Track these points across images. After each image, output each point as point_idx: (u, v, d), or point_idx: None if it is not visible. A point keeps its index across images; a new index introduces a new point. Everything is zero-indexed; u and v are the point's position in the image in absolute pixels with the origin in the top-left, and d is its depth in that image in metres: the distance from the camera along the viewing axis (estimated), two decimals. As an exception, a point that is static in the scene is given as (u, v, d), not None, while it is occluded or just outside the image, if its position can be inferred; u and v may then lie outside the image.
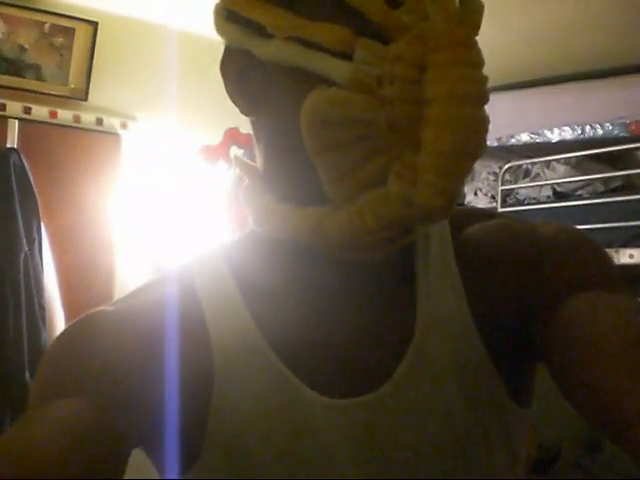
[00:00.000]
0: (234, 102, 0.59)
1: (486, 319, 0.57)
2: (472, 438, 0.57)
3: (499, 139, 3.05)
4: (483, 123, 0.50)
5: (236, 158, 0.66)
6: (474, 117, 0.50)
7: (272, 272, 0.60)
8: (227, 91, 0.59)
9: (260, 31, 0.53)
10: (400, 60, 0.49)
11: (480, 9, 0.53)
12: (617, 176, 2.76)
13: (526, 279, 0.58)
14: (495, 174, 3.14)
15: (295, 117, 0.52)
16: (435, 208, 0.50)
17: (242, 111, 0.60)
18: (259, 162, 0.62)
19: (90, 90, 2.42)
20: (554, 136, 2.87)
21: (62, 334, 0.58)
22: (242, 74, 0.57)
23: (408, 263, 0.60)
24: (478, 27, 0.52)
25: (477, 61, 0.50)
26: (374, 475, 0.56)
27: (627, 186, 2.73)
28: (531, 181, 3.01)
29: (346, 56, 0.49)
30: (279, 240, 0.58)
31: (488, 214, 0.65)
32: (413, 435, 0.56)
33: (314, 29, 0.50)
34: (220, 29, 0.59)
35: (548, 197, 2.92)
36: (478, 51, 0.50)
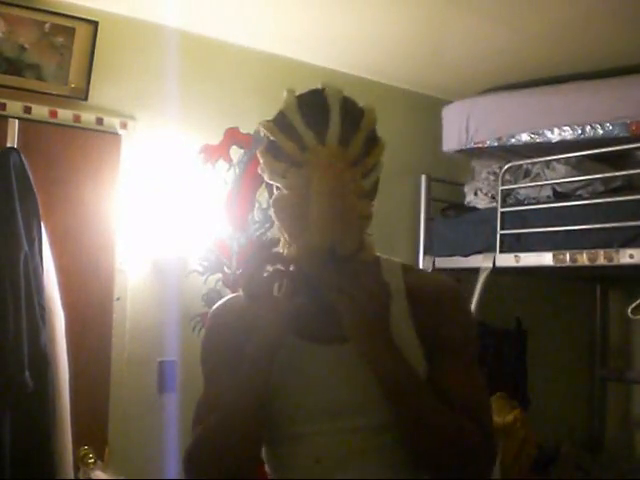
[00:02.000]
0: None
1: (415, 322, 1.06)
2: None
3: (499, 139, 3.05)
4: (334, 206, 0.97)
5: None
6: (326, 205, 0.97)
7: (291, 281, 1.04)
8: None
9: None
10: (306, 178, 0.99)
11: (355, 150, 1.00)
12: (617, 176, 2.76)
13: (435, 325, 1.06)
14: (495, 174, 3.14)
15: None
16: (317, 246, 0.97)
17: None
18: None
19: (90, 90, 2.42)
20: (554, 136, 2.87)
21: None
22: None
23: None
24: (352, 161, 1.00)
25: (335, 177, 0.98)
26: (349, 394, 1.02)
27: (627, 186, 2.73)
28: (531, 181, 3.01)
29: (286, 176, 1.02)
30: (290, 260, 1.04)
31: (428, 272, 1.30)
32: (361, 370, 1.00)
33: (278, 168, 1.03)
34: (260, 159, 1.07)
35: (548, 197, 2.92)
36: (340, 176, 0.99)
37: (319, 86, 1.08)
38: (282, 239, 1.04)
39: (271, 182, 1.03)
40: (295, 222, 1.00)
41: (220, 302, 1.19)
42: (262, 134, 1.06)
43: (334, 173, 0.97)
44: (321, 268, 0.98)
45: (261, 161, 1.04)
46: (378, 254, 1.14)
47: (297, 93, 1.08)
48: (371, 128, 1.03)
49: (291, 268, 1.02)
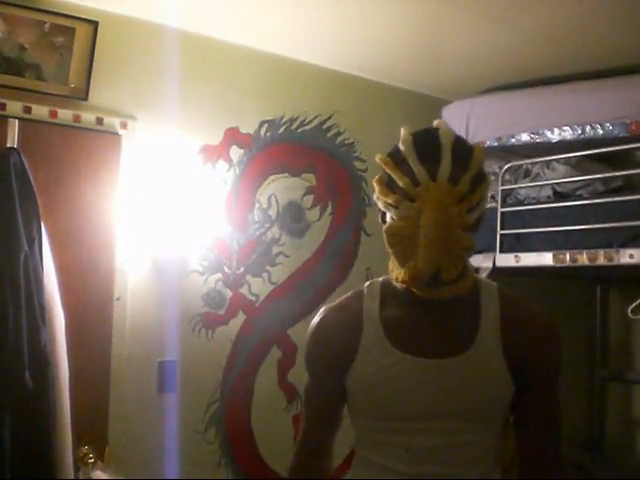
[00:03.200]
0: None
1: (506, 349, 1.18)
2: (495, 401, 1.19)
3: (499, 139, 3.05)
4: (440, 238, 1.10)
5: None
6: (433, 236, 1.09)
7: (395, 299, 1.22)
8: None
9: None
10: (417, 211, 1.11)
11: (462, 187, 1.12)
12: (617, 176, 2.75)
13: (525, 356, 1.19)
14: (495, 174, 3.14)
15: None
16: (423, 271, 1.10)
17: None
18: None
19: (90, 90, 2.42)
20: (554, 136, 2.87)
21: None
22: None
23: (476, 309, 1.21)
24: (459, 197, 1.12)
25: (443, 211, 1.10)
26: (441, 402, 1.16)
27: (627, 186, 2.73)
28: (531, 181, 3.01)
29: (399, 207, 1.14)
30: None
31: (524, 301, 1.30)
32: (467, 385, 1.16)
33: (391, 199, 1.15)
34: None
35: (548, 197, 2.92)
36: (447, 211, 1.10)
37: (434, 124, 1.21)
38: (391, 262, 1.18)
39: (384, 210, 1.17)
40: (405, 249, 1.12)
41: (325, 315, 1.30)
42: (379, 166, 1.18)
43: (442, 208, 1.09)
44: (427, 290, 1.14)
45: (376, 190, 1.18)
46: (477, 276, 1.27)
47: (413, 131, 1.20)
48: (479, 167, 1.15)
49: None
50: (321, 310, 1.29)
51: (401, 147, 1.15)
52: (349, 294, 1.29)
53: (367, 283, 1.28)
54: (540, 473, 1.21)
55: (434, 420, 1.16)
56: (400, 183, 1.12)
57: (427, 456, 1.16)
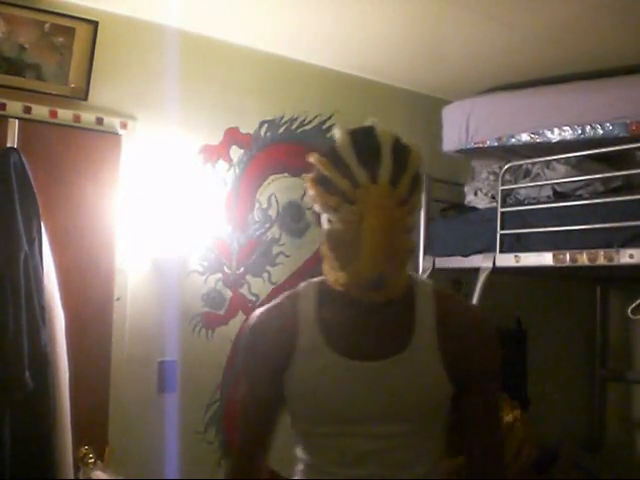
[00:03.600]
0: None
1: (442, 349, 1.16)
2: (432, 402, 1.17)
3: (499, 139, 3.05)
4: (384, 242, 1.07)
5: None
6: (376, 240, 1.07)
7: (331, 300, 1.19)
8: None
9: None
10: (358, 214, 1.07)
11: (403, 189, 1.08)
12: (617, 176, 2.75)
13: (461, 355, 1.16)
14: (495, 174, 3.14)
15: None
16: (366, 276, 1.08)
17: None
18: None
19: (90, 90, 2.42)
20: (554, 136, 2.87)
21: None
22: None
23: (412, 309, 1.18)
24: (400, 200, 1.08)
25: (386, 215, 1.07)
26: (377, 405, 1.14)
27: (627, 186, 2.73)
28: (531, 181, 3.01)
29: (339, 210, 1.09)
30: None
31: (460, 300, 1.33)
32: (403, 387, 1.14)
33: (332, 202, 1.09)
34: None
35: (548, 197, 2.92)
36: (390, 214, 1.07)
37: (370, 124, 1.13)
38: (327, 265, 1.16)
39: (321, 212, 1.13)
40: (346, 252, 1.09)
41: (261, 313, 1.26)
42: (314, 166, 1.13)
43: (385, 212, 1.07)
44: (366, 294, 1.12)
45: (311, 192, 1.12)
46: (414, 275, 1.24)
47: (348, 131, 1.13)
48: (417, 168, 1.11)
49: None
50: (256, 312, 1.26)
51: (338, 147, 1.09)
52: (284, 295, 1.25)
53: (303, 284, 1.25)
54: (484, 473, 1.17)
55: (370, 423, 1.14)
56: (339, 185, 1.07)
57: (364, 459, 1.14)
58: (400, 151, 1.09)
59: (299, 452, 1.23)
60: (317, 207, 1.13)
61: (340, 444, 1.15)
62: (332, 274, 1.15)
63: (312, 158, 1.13)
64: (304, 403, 1.18)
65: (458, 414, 1.19)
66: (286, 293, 1.26)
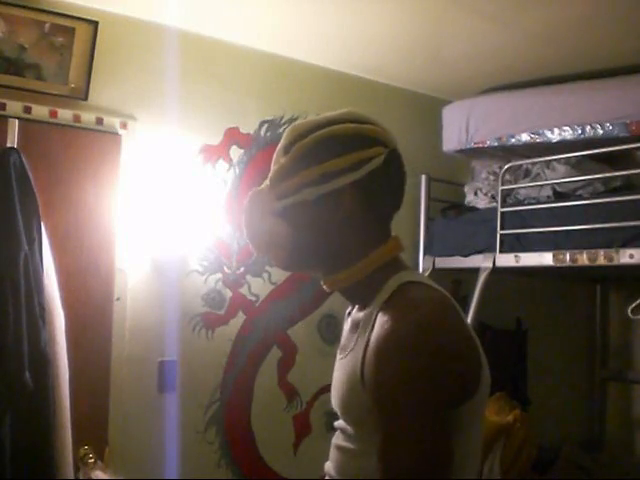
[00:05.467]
0: None
1: (367, 349, 1.00)
2: (352, 408, 1.05)
3: (499, 139, 3.05)
4: (246, 222, 1.14)
5: None
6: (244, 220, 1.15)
7: None
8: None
9: None
10: None
11: (275, 172, 1.10)
12: (617, 176, 2.75)
13: (369, 366, 0.98)
14: (495, 174, 3.14)
15: None
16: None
17: None
18: None
19: (90, 90, 2.42)
20: (554, 136, 2.87)
21: None
22: None
23: (369, 308, 1.06)
24: (271, 183, 1.10)
25: (250, 196, 1.13)
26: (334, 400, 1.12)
27: (627, 186, 2.73)
28: (531, 181, 3.01)
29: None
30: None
31: (414, 303, 0.99)
32: (339, 387, 1.09)
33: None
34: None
35: (548, 197, 2.92)
36: (255, 192, 1.13)
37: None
38: None
39: None
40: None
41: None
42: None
43: (251, 193, 1.13)
44: (321, 279, 1.14)
45: None
46: (404, 271, 1.09)
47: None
48: (300, 153, 1.08)
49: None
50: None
51: None
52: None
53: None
54: None
55: (340, 419, 1.15)
56: None
57: (331, 454, 1.14)
58: (294, 137, 1.10)
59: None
60: None
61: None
62: None
63: None
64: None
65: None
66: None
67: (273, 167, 1.11)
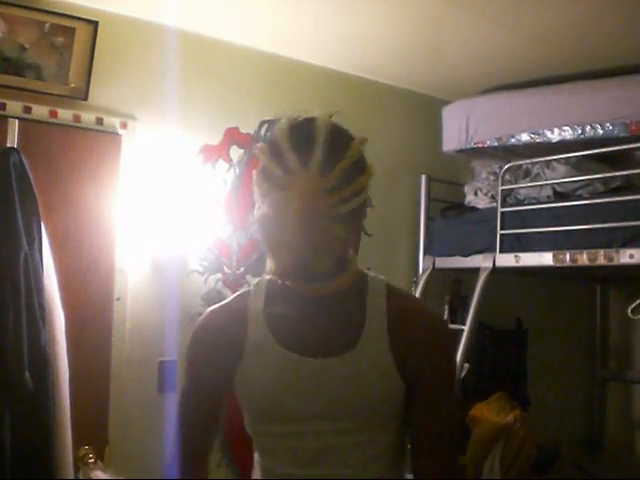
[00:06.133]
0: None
1: (393, 346, 1.13)
2: (383, 399, 1.13)
3: (499, 139, 3.05)
4: (304, 227, 1.06)
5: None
6: (299, 226, 1.06)
7: (280, 297, 1.18)
8: None
9: None
10: (287, 199, 1.07)
11: (334, 177, 1.06)
12: (617, 176, 2.76)
13: (412, 352, 1.13)
14: (495, 174, 3.14)
15: None
16: (290, 263, 1.09)
17: None
18: None
19: (90, 90, 2.42)
20: (554, 136, 2.87)
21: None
22: None
23: (363, 306, 1.15)
24: (330, 186, 1.06)
25: (310, 200, 1.06)
26: (328, 403, 1.12)
27: (627, 186, 2.73)
28: (531, 181, 3.01)
29: (270, 195, 1.09)
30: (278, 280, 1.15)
31: (413, 298, 1.41)
32: (353, 384, 1.12)
33: (264, 187, 1.11)
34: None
35: (548, 197, 2.92)
36: (315, 200, 1.06)
37: (313, 114, 1.12)
38: (268, 257, 1.14)
39: (259, 202, 1.11)
40: (277, 240, 1.09)
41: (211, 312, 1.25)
42: (258, 156, 1.13)
43: (310, 196, 1.05)
44: (304, 286, 1.12)
45: (253, 180, 1.12)
46: (366, 271, 1.21)
47: (290, 120, 1.11)
48: (356, 157, 1.09)
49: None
50: (206, 311, 1.25)
51: (276, 135, 1.10)
52: (236, 294, 1.25)
53: (254, 281, 1.25)
54: (431, 475, 1.13)
55: (322, 421, 1.12)
56: (272, 171, 1.08)
57: (317, 458, 1.12)
58: (337, 139, 1.08)
59: (255, 455, 1.21)
60: (255, 196, 1.12)
61: (292, 443, 1.13)
62: (269, 265, 1.14)
63: (257, 147, 1.14)
64: (254, 401, 1.16)
65: (409, 413, 1.15)
66: (238, 291, 1.26)
67: (323, 170, 1.05)
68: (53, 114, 2.36)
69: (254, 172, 1.13)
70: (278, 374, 1.13)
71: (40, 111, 2.33)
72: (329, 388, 1.12)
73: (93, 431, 2.37)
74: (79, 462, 2.28)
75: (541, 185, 2.94)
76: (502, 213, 2.92)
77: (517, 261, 2.84)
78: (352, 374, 1.11)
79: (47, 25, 2.30)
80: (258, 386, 1.15)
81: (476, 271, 2.97)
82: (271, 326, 1.15)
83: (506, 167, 2.98)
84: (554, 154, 2.87)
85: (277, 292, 1.18)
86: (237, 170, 2.84)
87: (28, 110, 2.31)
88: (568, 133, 2.82)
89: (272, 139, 1.11)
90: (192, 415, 1.23)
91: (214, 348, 1.19)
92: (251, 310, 1.18)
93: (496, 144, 3.06)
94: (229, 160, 2.83)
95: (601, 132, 2.73)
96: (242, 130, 2.86)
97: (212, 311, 1.24)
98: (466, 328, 2.89)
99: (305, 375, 1.12)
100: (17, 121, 2.28)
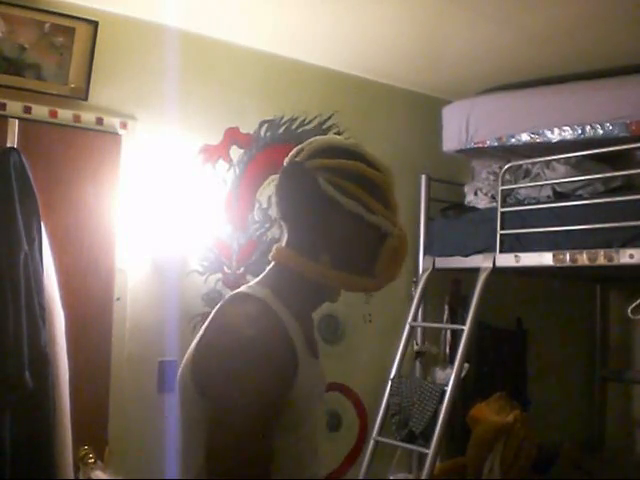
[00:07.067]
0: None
1: None
2: None
3: (499, 139, 3.05)
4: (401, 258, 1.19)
5: None
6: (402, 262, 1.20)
7: (296, 304, 1.21)
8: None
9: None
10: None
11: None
12: (617, 176, 2.76)
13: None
14: (495, 174, 3.14)
15: None
16: (376, 287, 1.20)
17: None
18: None
19: (90, 90, 2.42)
20: (554, 136, 2.87)
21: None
22: None
23: None
24: None
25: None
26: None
27: (627, 186, 2.73)
28: (531, 181, 3.01)
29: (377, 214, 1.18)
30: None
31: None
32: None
33: (372, 205, 1.18)
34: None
35: (548, 197, 2.92)
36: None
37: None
38: (312, 260, 1.18)
39: (351, 210, 1.14)
40: (359, 258, 1.16)
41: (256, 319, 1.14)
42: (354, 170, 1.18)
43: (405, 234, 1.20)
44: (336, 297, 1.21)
45: (345, 184, 1.14)
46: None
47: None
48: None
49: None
50: (234, 326, 1.13)
51: (370, 172, 1.20)
52: (246, 313, 1.16)
53: (257, 294, 1.23)
54: None
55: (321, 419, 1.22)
56: (370, 205, 1.18)
57: (314, 458, 1.19)
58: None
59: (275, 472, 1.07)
60: (347, 203, 1.13)
61: (312, 445, 1.18)
62: (319, 270, 1.15)
63: (354, 164, 1.16)
64: (307, 412, 1.13)
65: None
66: (247, 304, 1.20)
67: (392, 197, 1.21)
68: (53, 114, 2.36)
69: (342, 177, 1.15)
70: (316, 381, 1.20)
71: (40, 111, 2.33)
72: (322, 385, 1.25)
73: (93, 431, 2.37)
74: (79, 462, 2.28)
75: (541, 185, 2.94)
76: (502, 213, 2.92)
77: (517, 261, 2.84)
78: (323, 372, 1.24)
79: (47, 25, 2.30)
80: (312, 395, 1.15)
81: (476, 271, 2.97)
82: (304, 335, 1.17)
83: (506, 167, 2.98)
84: (554, 154, 2.87)
85: (292, 300, 1.18)
86: (237, 170, 2.84)
87: (28, 110, 2.31)
88: (568, 133, 2.82)
89: (362, 173, 1.16)
90: (266, 452, 1.05)
91: (277, 369, 1.07)
92: (288, 326, 1.12)
93: (496, 144, 3.06)
94: (229, 160, 2.83)
95: (601, 132, 2.72)
96: (242, 130, 2.86)
97: (254, 339, 1.07)
98: (466, 328, 2.89)
99: (319, 375, 1.22)
100: (17, 121, 2.28)
